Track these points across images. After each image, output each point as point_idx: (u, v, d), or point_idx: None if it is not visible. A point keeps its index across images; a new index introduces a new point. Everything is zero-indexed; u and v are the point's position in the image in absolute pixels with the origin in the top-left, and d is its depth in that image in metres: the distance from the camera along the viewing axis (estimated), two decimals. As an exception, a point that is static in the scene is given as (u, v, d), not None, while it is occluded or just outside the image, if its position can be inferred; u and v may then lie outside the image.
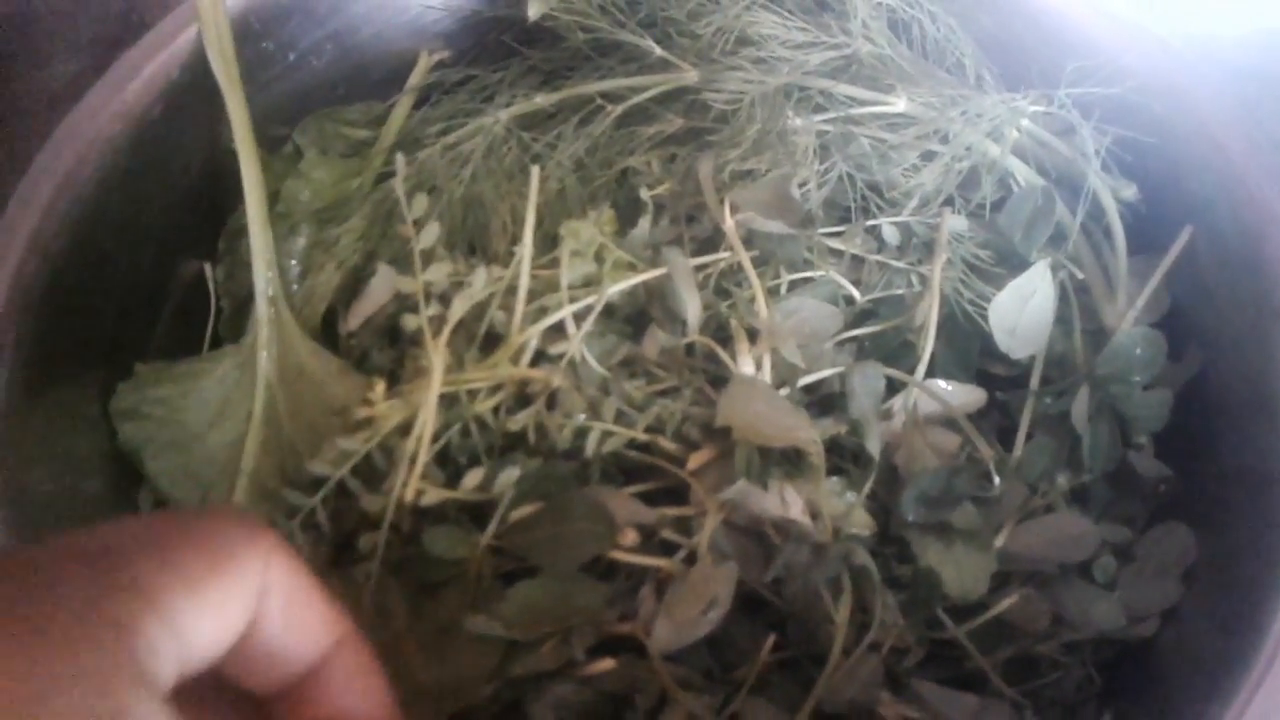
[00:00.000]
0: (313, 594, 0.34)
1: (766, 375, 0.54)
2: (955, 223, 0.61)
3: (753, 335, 0.55)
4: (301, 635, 0.34)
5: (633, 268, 0.57)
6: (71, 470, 0.56)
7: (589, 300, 0.55)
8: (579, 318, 0.55)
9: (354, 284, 0.61)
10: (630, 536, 0.50)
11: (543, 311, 0.55)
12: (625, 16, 0.65)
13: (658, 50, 0.64)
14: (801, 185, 0.61)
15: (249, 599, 0.32)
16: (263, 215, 0.60)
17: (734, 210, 0.57)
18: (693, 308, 0.55)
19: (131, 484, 0.59)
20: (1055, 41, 0.64)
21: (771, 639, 0.51)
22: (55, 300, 0.56)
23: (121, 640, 0.27)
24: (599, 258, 0.57)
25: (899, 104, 0.62)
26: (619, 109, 0.62)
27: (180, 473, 0.56)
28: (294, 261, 0.62)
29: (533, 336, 0.54)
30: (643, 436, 0.53)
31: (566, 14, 0.65)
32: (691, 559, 0.51)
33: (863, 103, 0.62)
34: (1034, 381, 0.59)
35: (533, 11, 0.65)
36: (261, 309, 0.59)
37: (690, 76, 0.63)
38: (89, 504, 0.56)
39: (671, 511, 0.52)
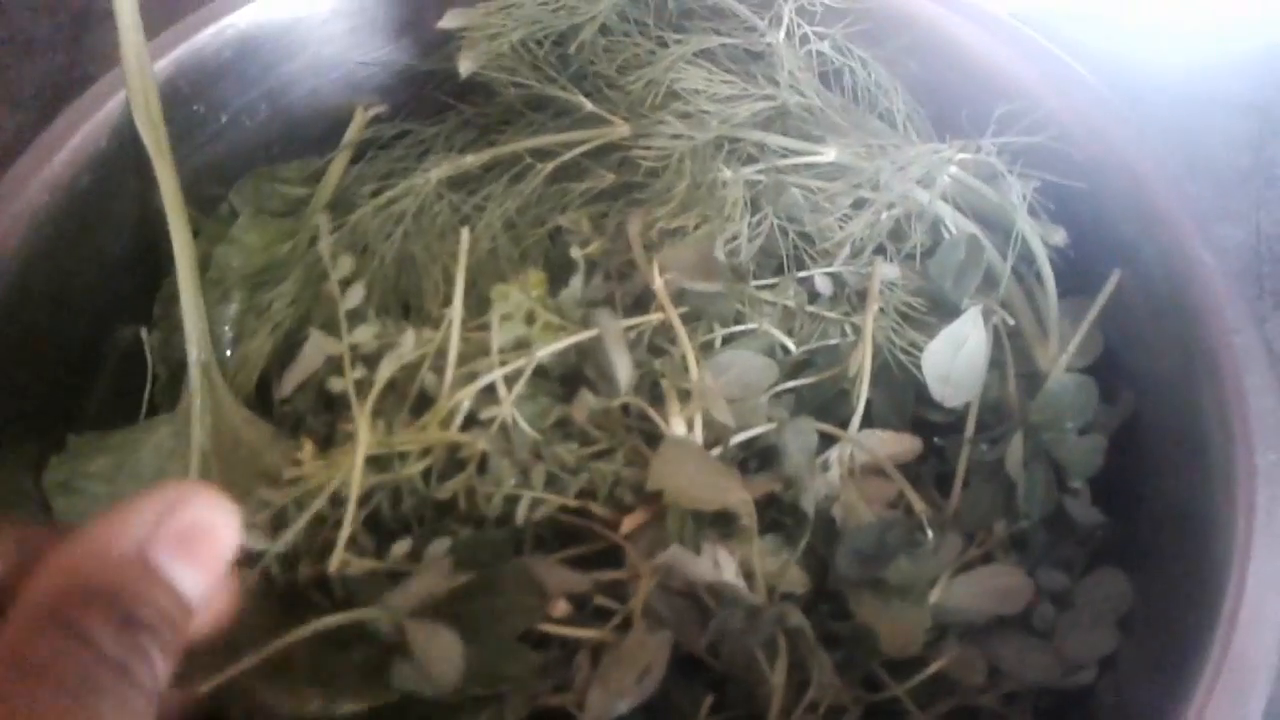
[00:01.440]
0: None
1: (699, 435, 0.53)
2: (887, 271, 0.61)
3: (684, 395, 0.54)
4: None
5: (563, 329, 0.56)
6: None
7: (519, 363, 0.54)
8: (510, 381, 0.54)
9: (288, 349, 0.60)
10: (561, 608, 0.49)
11: (474, 375, 0.54)
12: (556, 72, 0.64)
13: (588, 105, 0.63)
14: (733, 238, 0.60)
15: None
16: (194, 284, 0.59)
17: (663, 269, 0.57)
18: (624, 369, 0.54)
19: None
20: (983, 86, 0.64)
21: (709, 701, 0.50)
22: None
23: None
24: (530, 319, 0.56)
25: (829, 154, 0.61)
26: (549, 166, 0.62)
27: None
28: (227, 328, 0.61)
29: (464, 400, 0.53)
30: (574, 503, 0.52)
31: (498, 70, 0.64)
32: (626, 624, 0.50)
33: (794, 153, 0.61)
34: (969, 429, 0.59)
35: (463, 68, 0.64)
36: (195, 378, 0.58)
37: (621, 131, 0.62)
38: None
39: (605, 576, 0.51)
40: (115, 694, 0.30)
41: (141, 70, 0.59)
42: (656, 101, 0.61)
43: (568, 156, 0.62)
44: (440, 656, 0.46)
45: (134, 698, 0.30)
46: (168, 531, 0.33)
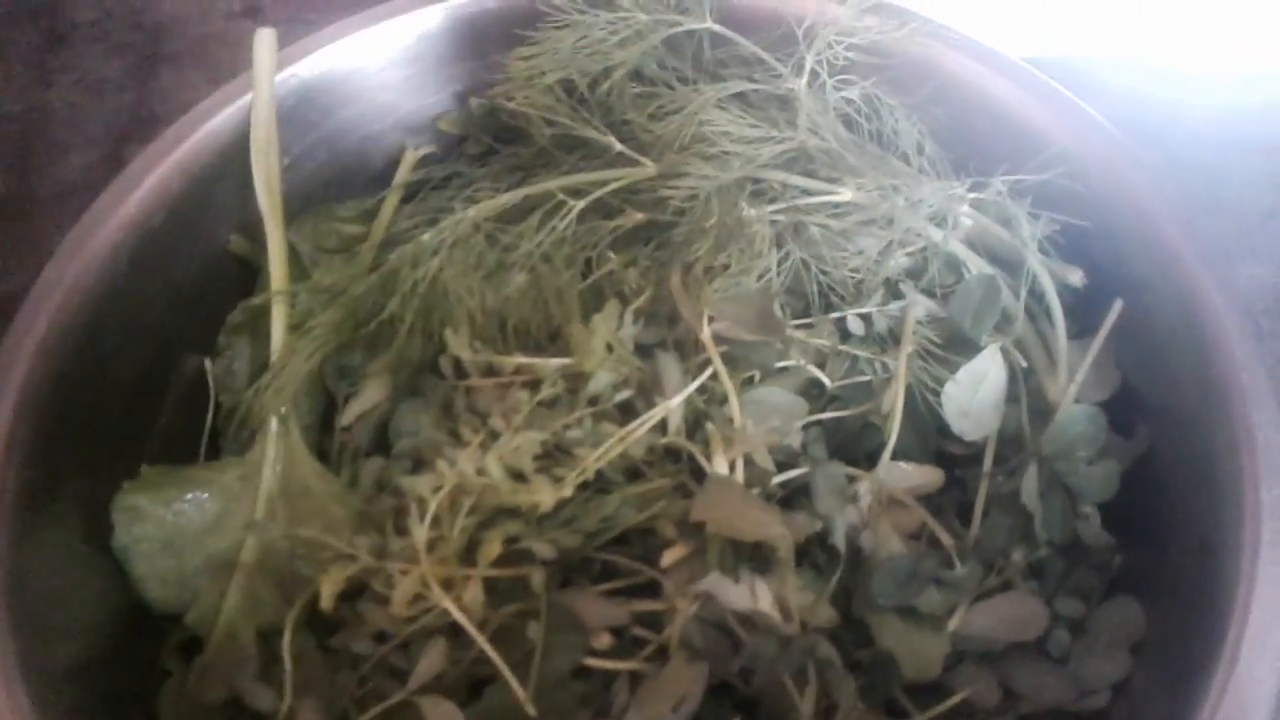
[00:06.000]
0: None
1: (740, 475, 0.54)
2: (919, 309, 0.61)
3: (728, 439, 0.55)
4: None
5: (634, 364, 0.56)
6: (72, 566, 0.55)
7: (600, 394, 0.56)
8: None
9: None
10: (605, 640, 0.49)
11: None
12: (589, 115, 0.64)
13: (618, 146, 0.63)
14: (763, 275, 0.60)
15: None
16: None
17: (714, 318, 0.57)
18: (677, 411, 0.55)
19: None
20: (1001, 129, 0.64)
21: (736, 721, 0.50)
22: (59, 404, 0.55)
23: None
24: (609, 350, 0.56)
25: (845, 194, 0.61)
26: (581, 203, 0.61)
27: (171, 575, 0.54)
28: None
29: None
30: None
31: (531, 109, 0.64)
32: (660, 653, 0.50)
33: (812, 193, 0.61)
34: (988, 461, 0.59)
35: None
36: (272, 426, 0.58)
37: (649, 171, 0.62)
38: (90, 599, 0.55)
39: (642, 607, 0.51)
40: None
41: (269, 144, 0.62)
42: (684, 143, 0.61)
43: (599, 194, 0.61)
44: None
45: None
46: None
